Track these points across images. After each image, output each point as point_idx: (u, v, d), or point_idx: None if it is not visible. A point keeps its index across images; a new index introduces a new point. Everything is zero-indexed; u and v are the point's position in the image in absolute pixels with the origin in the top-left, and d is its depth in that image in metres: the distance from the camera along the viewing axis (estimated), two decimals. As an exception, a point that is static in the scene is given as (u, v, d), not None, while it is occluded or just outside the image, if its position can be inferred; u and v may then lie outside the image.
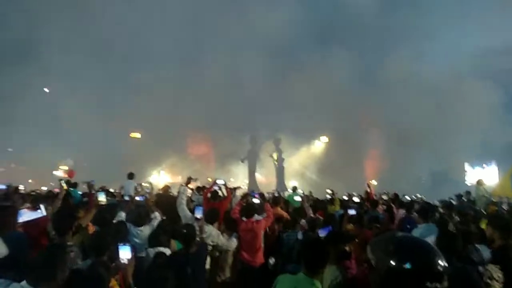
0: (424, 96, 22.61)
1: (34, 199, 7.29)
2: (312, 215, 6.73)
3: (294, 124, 23.98)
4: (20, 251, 3.39)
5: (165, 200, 7.73)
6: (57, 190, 9.66)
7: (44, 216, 4.02)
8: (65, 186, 9.77)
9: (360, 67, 23.57)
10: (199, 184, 10.11)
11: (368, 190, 9.82)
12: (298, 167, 26.11)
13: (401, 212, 7.87)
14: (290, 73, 23.55)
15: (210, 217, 5.62)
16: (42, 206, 2.91)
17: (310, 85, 22.37)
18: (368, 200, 9.31)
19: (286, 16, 22.33)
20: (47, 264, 2.35)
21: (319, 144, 25.51)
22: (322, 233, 3.91)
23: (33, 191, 10.32)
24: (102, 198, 5.20)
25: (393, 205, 8.29)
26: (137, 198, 6.64)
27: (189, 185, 7.64)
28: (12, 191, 7.72)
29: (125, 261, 3.06)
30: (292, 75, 23.32)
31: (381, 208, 8.38)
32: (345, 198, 10.87)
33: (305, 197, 8.17)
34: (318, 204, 8.98)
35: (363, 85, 23.27)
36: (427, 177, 24.44)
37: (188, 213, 5.92)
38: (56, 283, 2.36)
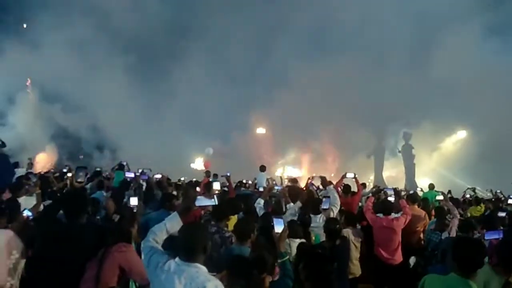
0: None
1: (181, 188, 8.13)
2: (458, 215, 6.13)
3: (426, 117, 21.82)
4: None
5: (296, 192, 7.81)
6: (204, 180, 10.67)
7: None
8: (207, 176, 10.81)
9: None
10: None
11: None
12: (430, 163, 23.82)
13: None
14: (424, 58, 21.25)
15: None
16: (215, 196, 3.28)
17: (446, 70, 19.90)
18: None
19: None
20: (192, 240, 2.55)
21: (456, 138, 22.82)
22: (489, 237, 3.42)
23: (179, 180, 11.59)
24: (216, 187, 5.92)
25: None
26: (276, 188, 7.07)
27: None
28: (164, 179, 8.58)
29: (279, 232, 3.35)
30: (429, 59, 20.97)
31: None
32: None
33: (447, 196, 7.44)
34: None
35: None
36: None
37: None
38: (203, 257, 2.56)
